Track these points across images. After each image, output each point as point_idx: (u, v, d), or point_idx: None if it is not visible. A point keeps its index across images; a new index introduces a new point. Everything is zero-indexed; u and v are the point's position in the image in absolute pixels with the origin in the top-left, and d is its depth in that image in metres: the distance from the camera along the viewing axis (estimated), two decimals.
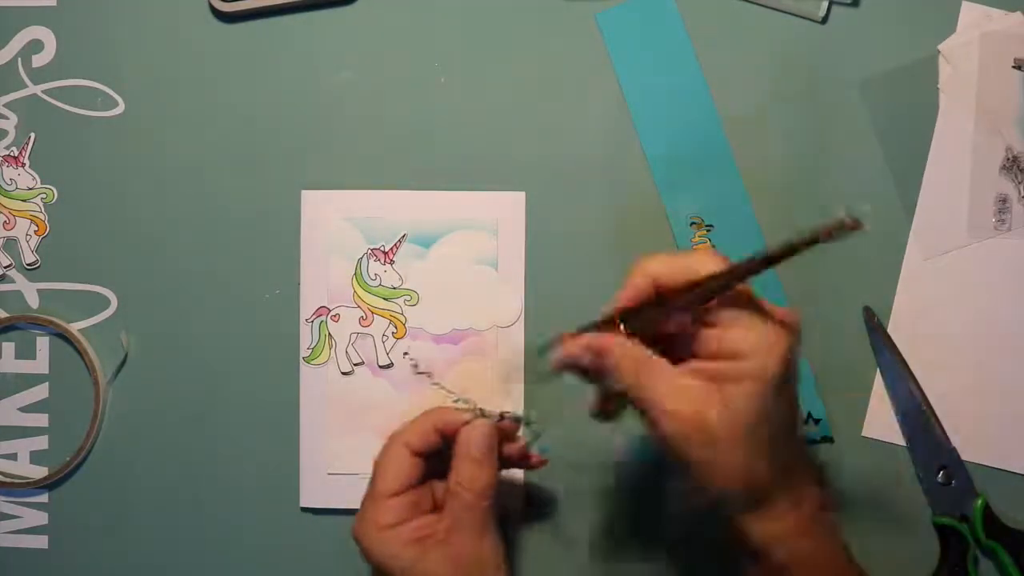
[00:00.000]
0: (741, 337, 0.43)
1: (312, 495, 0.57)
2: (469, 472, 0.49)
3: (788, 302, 0.56)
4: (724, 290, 0.44)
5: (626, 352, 0.45)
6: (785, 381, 0.43)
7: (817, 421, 0.56)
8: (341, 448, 0.57)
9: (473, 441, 0.50)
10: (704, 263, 0.44)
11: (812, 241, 0.41)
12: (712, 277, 0.44)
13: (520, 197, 0.57)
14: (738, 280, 0.44)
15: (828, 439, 0.56)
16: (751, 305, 0.44)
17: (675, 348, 0.46)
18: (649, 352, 0.45)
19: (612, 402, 0.48)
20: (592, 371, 0.46)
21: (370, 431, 0.56)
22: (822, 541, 0.47)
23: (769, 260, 0.43)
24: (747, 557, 0.47)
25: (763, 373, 0.43)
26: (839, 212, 0.41)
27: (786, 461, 0.45)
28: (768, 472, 0.44)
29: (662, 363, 0.45)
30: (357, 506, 0.50)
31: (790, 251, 0.42)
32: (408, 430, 0.51)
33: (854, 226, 0.41)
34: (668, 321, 0.45)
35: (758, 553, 0.46)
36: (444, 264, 0.56)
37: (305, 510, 0.58)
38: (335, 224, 0.57)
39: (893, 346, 0.55)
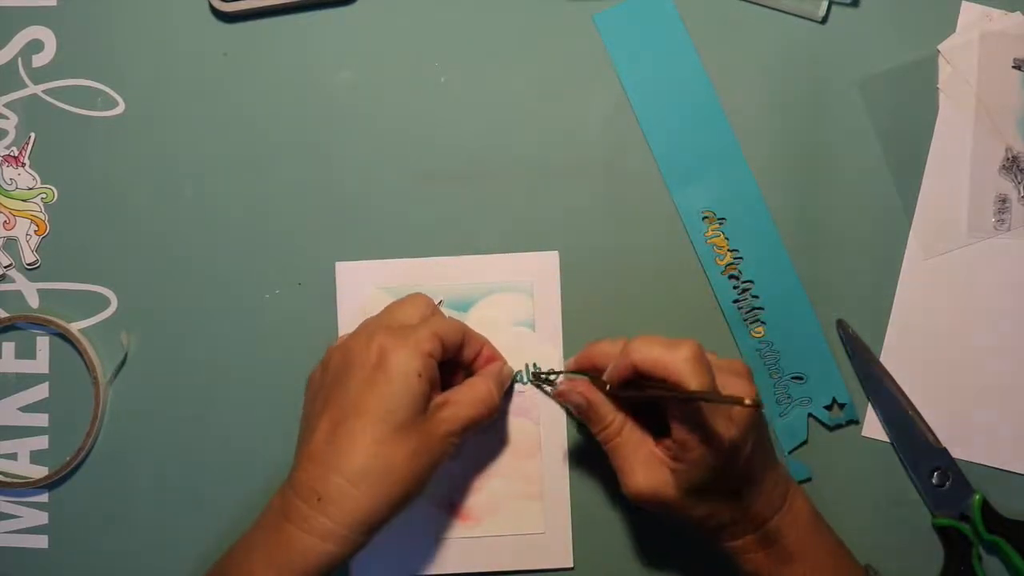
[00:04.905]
0: (706, 417, 0.46)
1: None
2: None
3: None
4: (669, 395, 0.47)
5: (602, 411, 0.50)
6: (736, 450, 0.46)
7: (843, 406, 0.56)
8: None
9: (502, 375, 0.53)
10: (680, 371, 0.46)
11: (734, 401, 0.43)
12: (661, 387, 0.47)
13: (554, 257, 0.57)
14: (679, 398, 0.46)
15: (854, 422, 0.56)
16: (714, 391, 0.46)
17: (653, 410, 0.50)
18: (620, 417, 0.50)
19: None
20: (576, 412, 0.52)
21: None
22: (799, 540, 0.49)
23: (701, 398, 0.45)
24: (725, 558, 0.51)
25: (719, 447, 0.46)
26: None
27: (749, 503, 0.48)
28: (729, 514, 0.48)
29: (631, 429, 0.50)
30: None
31: (720, 400, 0.44)
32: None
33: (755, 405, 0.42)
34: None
35: (733, 559, 0.50)
36: (482, 327, 0.56)
37: None
38: (371, 293, 0.57)
39: (872, 356, 0.56)
